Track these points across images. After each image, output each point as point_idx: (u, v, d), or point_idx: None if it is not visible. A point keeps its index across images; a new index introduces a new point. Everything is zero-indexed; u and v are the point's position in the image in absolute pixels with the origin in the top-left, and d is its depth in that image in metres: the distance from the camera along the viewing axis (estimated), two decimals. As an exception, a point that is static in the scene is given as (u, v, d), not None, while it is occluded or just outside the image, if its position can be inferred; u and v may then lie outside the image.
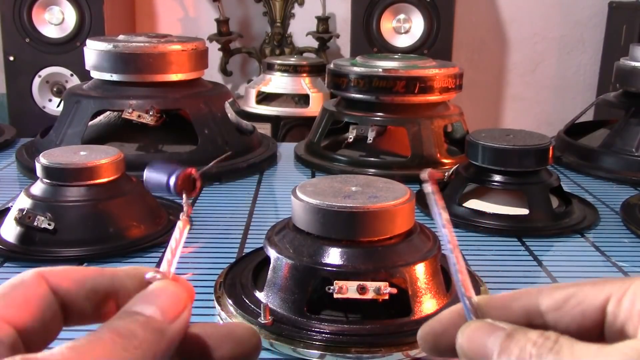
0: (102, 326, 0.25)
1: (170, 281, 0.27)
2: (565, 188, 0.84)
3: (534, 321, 0.28)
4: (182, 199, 0.34)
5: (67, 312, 0.27)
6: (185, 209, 0.33)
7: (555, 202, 0.81)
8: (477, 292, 0.57)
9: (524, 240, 0.74)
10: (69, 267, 0.28)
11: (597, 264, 0.69)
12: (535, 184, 0.78)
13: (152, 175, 0.36)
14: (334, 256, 0.52)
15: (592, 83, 2.28)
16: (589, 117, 1.52)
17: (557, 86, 2.32)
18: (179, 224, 0.31)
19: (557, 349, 0.25)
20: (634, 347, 0.24)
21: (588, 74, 2.30)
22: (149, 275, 0.28)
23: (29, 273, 0.27)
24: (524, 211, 0.77)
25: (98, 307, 0.28)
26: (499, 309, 0.28)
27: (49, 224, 0.66)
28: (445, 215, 0.30)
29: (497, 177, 0.78)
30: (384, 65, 0.99)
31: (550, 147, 0.78)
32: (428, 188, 0.30)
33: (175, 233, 0.31)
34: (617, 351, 0.24)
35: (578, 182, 0.97)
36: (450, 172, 0.84)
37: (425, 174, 0.31)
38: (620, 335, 0.26)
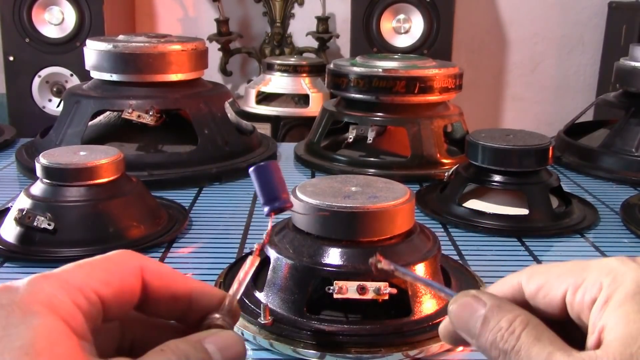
0: (181, 341, 0.29)
1: (241, 339, 0.31)
2: (565, 188, 0.84)
3: (523, 305, 0.32)
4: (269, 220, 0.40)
5: (144, 303, 0.31)
6: (263, 240, 0.39)
7: (555, 202, 0.81)
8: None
9: (524, 240, 0.74)
10: (164, 267, 0.32)
11: (597, 264, 0.69)
12: (535, 184, 0.78)
13: (256, 184, 0.41)
14: (333, 256, 0.51)
15: (591, 83, 2.28)
16: (588, 117, 1.52)
17: (557, 86, 2.32)
18: (250, 257, 0.36)
19: (518, 348, 0.29)
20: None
21: (588, 74, 2.29)
22: (217, 316, 0.32)
23: (131, 262, 0.31)
24: (524, 211, 0.77)
25: (169, 309, 0.32)
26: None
27: (49, 224, 0.66)
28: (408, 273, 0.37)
29: (497, 177, 0.78)
30: (384, 65, 0.99)
31: (550, 147, 0.78)
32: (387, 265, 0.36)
33: (245, 265, 0.35)
34: None
35: (578, 182, 0.97)
36: (450, 172, 0.84)
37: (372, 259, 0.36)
38: (579, 321, 0.30)
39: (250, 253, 0.36)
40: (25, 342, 0.25)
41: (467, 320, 0.31)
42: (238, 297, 0.33)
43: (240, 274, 0.35)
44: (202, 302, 0.32)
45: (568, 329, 0.31)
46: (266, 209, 0.40)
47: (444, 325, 0.34)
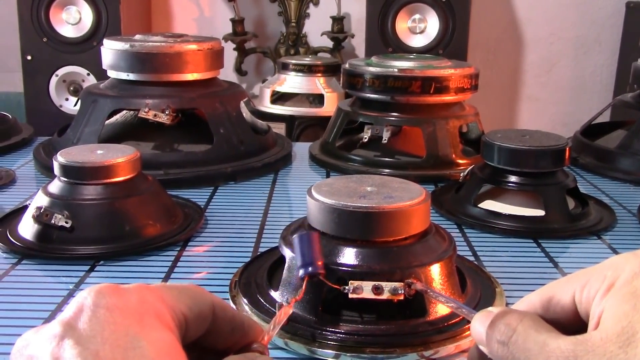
0: (239, 357, 0.34)
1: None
2: (582, 189, 0.84)
3: None
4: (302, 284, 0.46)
5: (207, 332, 0.34)
6: (297, 296, 0.45)
7: (571, 203, 0.80)
8: (492, 293, 0.57)
9: (540, 241, 0.73)
10: (226, 303, 0.35)
11: (614, 266, 0.68)
12: (551, 185, 0.77)
13: (297, 248, 0.46)
14: (349, 256, 0.51)
15: (608, 84, 2.26)
16: (605, 118, 1.50)
17: (573, 87, 2.30)
18: (285, 309, 0.42)
19: (515, 339, 0.31)
20: (575, 342, 0.29)
21: (605, 74, 2.27)
22: (258, 346, 0.37)
23: (206, 295, 0.34)
24: (540, 212, 0.76)
25: (225, 339, 0.35)
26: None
27: (66, 222, 0.66)
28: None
29: (513, 178, 0.78)
30: (400, 65, 0.99)
31: (567, 148, 0.77)
32: None
33: (281, 313, 0.41)
34: (556, 346, 0.29)
35: (594, 184, 0.96)
36: (465, 173, 0.84)
37: None
38: (587, 318, 0.31)
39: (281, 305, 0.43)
40: (151, 358, 0.27)
41: (480, 331, 0.33)
42: (272, 337, 0.39)
43: (275, 320, 0.40)
44: (249, 335, 0.36)
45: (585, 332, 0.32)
46: (301, 271, 0.45)
47: (470, 350, 0.37)
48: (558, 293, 0.33)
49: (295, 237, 0.46)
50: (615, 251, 0.72)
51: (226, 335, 0.35)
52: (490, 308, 0.34)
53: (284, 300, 0.53)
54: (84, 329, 0.27)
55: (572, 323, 0.32)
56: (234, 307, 0.55)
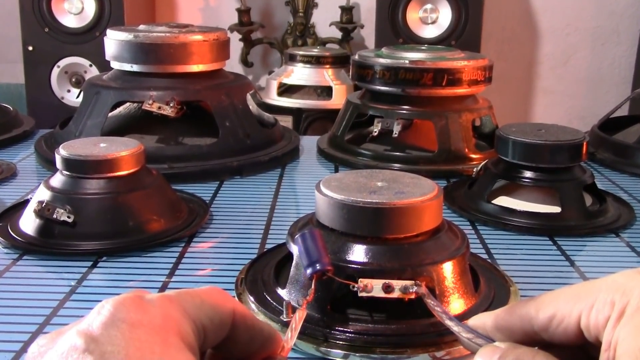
0: None
1: None
2: (600, 185, 0.82)
3: (535, 339, 0.32)
4: (312, 283, 0.45)
5: (224, 340, 0.33)
6: (308, 297, 0.44)
7: (588, 200, 0.79)
8: (507, 292, 0.56)
9: (556, 239, 0.72)
10: (248, 311, 0.34)
11: (632, 264, 0.67)
12: (568, 181, 0.76)
13: (301, 248, 0.45)
14: (358, 253, 0.51)
15: (627, 76, 2.23)
16: (623, 111, 1.48)
17: (591, 79, 2.27)
18: (299, 312, 0.41)
19: None
20: None
21: (623, 66, 2.24)
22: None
23: (227, 302, 0.32)
24: (556, 209, 0.75)
25: (243, 349, 0.34)
26: (504, 330, 0.34)
27: (69, 217, 0.65)
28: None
29: (528, 174, 0.77)
30: (411, 56, 0.97)
31: (584, 143, 0.76)
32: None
33: (295, 317, 0.41)
34: None
35: (613, 180, 0.95)
36: (478, 168, 0.83)
37: None
38: (598, 343, 0.30)
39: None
40: None
41: None
42: (291, 346, 0.38)
43: (292, 326, 0.39)
44: (268, 344, 0.35)
45: (590, 350, 0.32)
46: (309, 270, 0.44)
47: None
48: (560, 315, 0.31)
49: (297, 237, 0.45)
50: (634, 249, 0.70)
51: (244, 344, 0.34)
52: (496, 343, 0.33)
53: (292, 299, 0.51)
54: (107, 343, 0.26)
55: (573, 343, 0.32)
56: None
